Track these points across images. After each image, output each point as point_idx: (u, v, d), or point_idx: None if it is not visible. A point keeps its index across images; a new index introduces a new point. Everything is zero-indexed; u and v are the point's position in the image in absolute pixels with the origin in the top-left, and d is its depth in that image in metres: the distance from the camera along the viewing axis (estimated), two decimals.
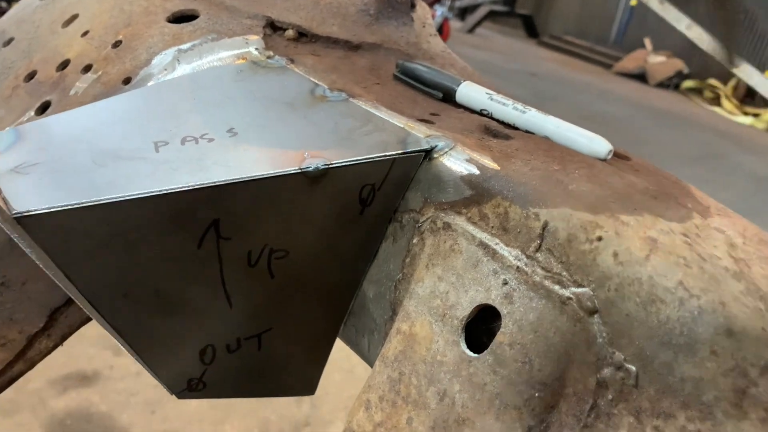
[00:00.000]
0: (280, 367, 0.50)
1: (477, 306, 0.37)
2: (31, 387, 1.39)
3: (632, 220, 0.35)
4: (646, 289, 0.32)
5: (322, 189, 0.40)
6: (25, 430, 1.35)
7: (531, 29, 10.05)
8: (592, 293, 0.33)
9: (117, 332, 0.42)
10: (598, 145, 0.43)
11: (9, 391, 0.52)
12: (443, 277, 0.39)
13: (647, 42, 7.67)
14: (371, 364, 0.47)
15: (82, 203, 0.35)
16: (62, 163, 0.38)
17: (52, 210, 0.35)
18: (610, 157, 0.43)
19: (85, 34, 0.56)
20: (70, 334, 0.54)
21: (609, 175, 0.41)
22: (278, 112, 0.44)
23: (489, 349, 0.36)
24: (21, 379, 0.53)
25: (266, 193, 0.39)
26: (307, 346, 0.50)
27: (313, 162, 0.39)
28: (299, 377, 0.52)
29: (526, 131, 0.46)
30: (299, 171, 0.39)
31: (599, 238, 0.34)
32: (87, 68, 0.53)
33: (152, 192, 0.36)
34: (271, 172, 0.39)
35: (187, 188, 0.37)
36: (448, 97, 0.51)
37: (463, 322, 0.37)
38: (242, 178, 0.38)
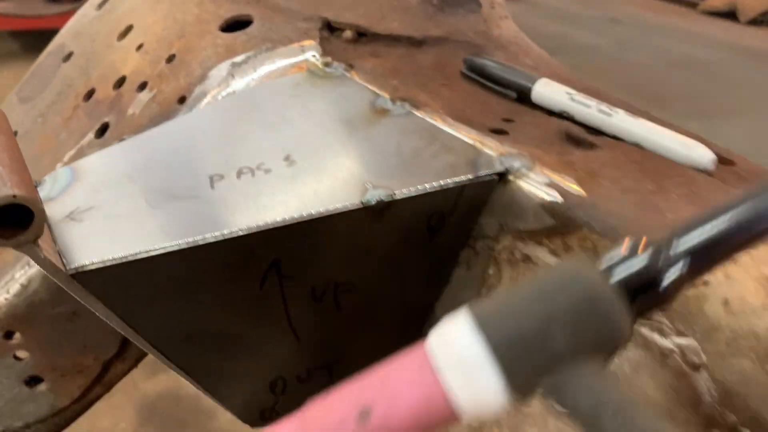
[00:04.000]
0: None
1: None
2: None
3: (743, 256, 0.30)
4: (765, 345, 0.27)
5: (387, 221, 0.37)
6: (119, 412, 1.41)
7: None
8: (698, 345, 0.29)
9: (183, 371, 0.40)
10: (698, 154, 0.38)
11: None
12: None
13: None
14: None
15: (137, 255, 0.33)
16: (116, 207, 0.36)
17: (107, 264, 0.33)
18: (713, 167, 0.38)
19: (139, 47, 0.55)
20: (145, 355, 0.54)
21: (712, 191, 0.35)
22: (337, 133, 0.41)
23: None
24: None
25: (327, 229, 0.36)
26: None
27: (376, 194, 0.36)
28: None
29: (613, 136, 0.41)
30: (361, 205, 0.36)
31: (705, 283, 0.29)
32: (142, 86, 0.51)
33: (208, 239, 0.34)
34: (331, 208, 0.36)
35: (244, 233, 0.34)
36: (522, 96, 0.47)
37: None
38: (301, 217, 0.35)
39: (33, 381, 0.51)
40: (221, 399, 0.44)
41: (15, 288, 0.48)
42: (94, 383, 0.52)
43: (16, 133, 0.59)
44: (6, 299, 0.48)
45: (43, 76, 0.62)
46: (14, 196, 0.29)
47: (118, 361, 0.52)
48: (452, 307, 0.42)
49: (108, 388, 0.54)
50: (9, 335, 0.49)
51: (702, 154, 0.37)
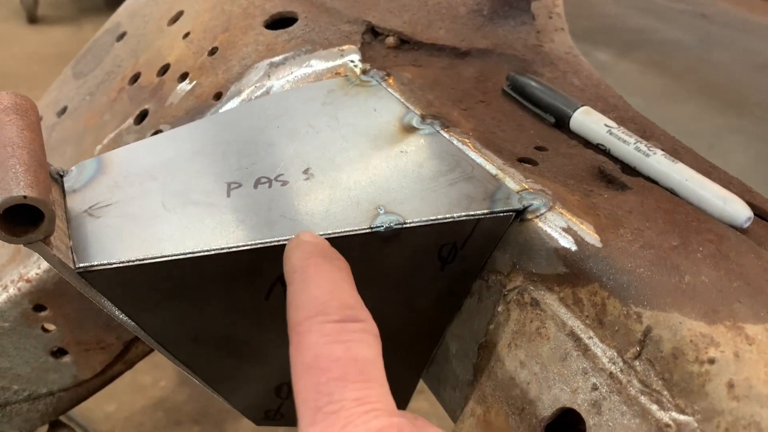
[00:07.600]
0: None
1: (560, 408, 0.32)
2: None
3: (761, 333, 0.28)
4: None
5: (396, 247, 0.36)
6: (160, 371, 1.46)
7: None
8: (696, 425, 0.27)
9: (190, 370, 0.41)
10: (733, 209, 0.35)
11: None
12: (526, 364, 0.34)
13: None
14: (450, 415, 0.44)
15: (144, 260, 0.34)
16: (133, 206, 0.37)
17: (114, 266, 0.34)
18: (748, 225, 0.35)
19: (186, 35, 0.55)
20: None
21: (743, 253, 0.33)
22: (360, 150, 0.40)
23: None
24: None
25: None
26: None
27: (386, 220, 0.35)
28: None
29: (648, 177, 0.39)
30: (369, 230, 0.35)
31: (711, 361, 0.27)
32: (183, 76, 0.52)
33: (214, 250, 0.34)
34: (338, 230, 0.35)
35: (249, 247, 0.34)
36: (561, 122, 0.45)
37: (543, 424, 0.32)
38: None
39: (59, 352, 0.53)
40: (227, 398, 0.44)
41: (46, 264, 0.49)
42: (116, 360, 0.54)
43: (65, 109, 0.61)
44: (37, 274, 0.50)
45: (97, 54, 0.63)
46: (25, 197, 0.29)
47: (140, 342, 0.54)
48: (462, 334, 0.41)
49: (129, 365, 0.56)
50: (39, 308, 0.51)
51: (737, 210, 0.35)
